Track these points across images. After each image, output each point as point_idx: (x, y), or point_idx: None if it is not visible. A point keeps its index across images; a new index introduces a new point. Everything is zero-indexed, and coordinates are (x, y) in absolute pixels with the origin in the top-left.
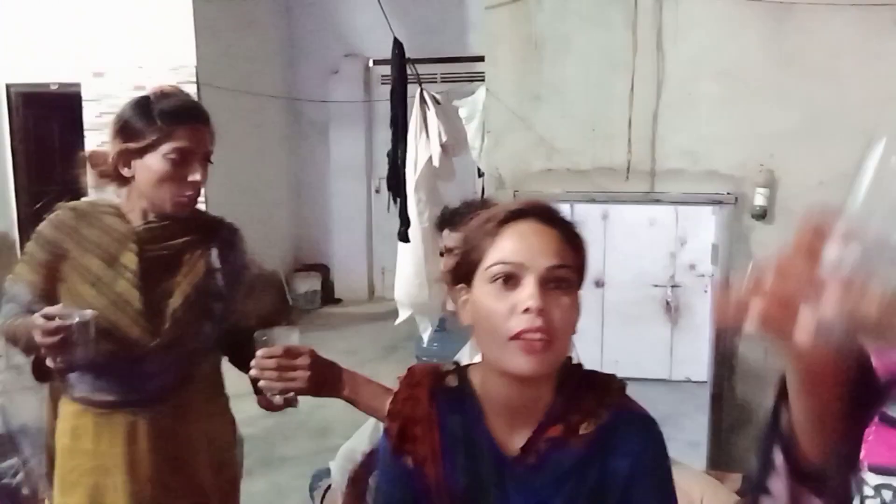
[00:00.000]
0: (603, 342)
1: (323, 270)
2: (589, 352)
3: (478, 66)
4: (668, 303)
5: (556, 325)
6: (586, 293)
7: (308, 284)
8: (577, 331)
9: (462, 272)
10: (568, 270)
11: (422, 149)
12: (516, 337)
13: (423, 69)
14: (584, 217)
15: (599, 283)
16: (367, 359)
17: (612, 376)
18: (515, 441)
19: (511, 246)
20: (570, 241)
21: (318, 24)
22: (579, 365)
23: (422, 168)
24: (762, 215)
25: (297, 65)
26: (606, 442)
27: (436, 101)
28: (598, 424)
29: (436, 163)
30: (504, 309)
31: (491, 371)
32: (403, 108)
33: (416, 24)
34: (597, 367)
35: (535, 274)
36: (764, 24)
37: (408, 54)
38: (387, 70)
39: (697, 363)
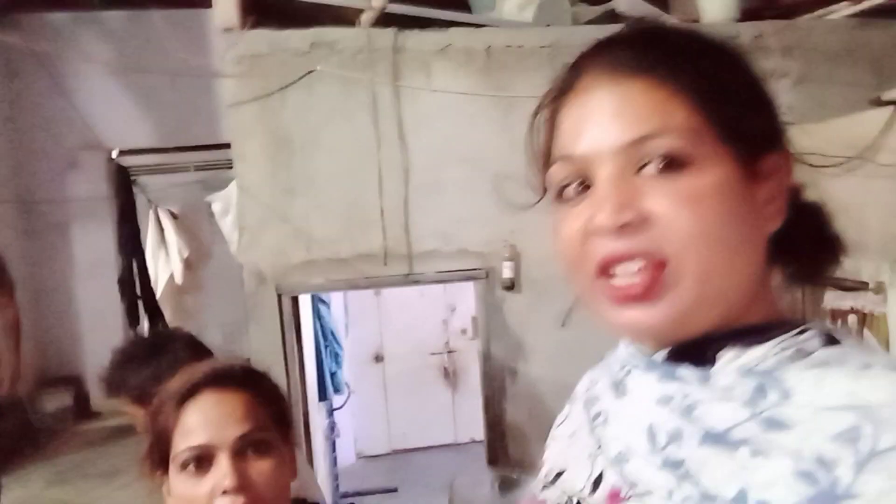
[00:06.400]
0: (388, 417)
1: (75, 382)
2: (375, 428)
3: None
4: (445, 368)
5: (264, 494)
6: (367, 369)
7: (57, 401)
8: (290, 488)
9: (156, 459)
10: (263, 432)
11: (161, 267)
12: None
13: (176, 158)
14: (357, 294)
15: (379, 358)
16: (133, 479)
17: None
18: None
19: (193, 426)
20: (261, 396)
21: (49, 118)
22: None
23: (163, 286)
24: (511, 286)
25: (26, 165)
26: None
27: (173, 217)
28: None
29: (178, 280)
30: (203, 496)
31: None
32: (135, 231)
33: (165, 113)
34: (384, 442)
35: (226, 449)
36: (493, 115)
37: (158, 143)
38: (134, 160)
39: (479, 424)
